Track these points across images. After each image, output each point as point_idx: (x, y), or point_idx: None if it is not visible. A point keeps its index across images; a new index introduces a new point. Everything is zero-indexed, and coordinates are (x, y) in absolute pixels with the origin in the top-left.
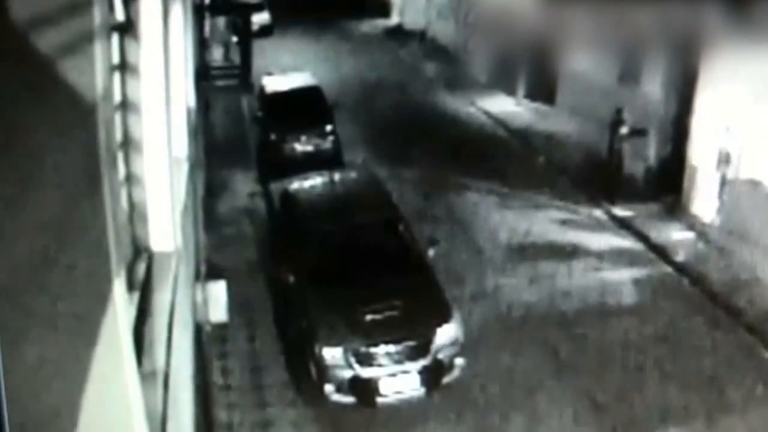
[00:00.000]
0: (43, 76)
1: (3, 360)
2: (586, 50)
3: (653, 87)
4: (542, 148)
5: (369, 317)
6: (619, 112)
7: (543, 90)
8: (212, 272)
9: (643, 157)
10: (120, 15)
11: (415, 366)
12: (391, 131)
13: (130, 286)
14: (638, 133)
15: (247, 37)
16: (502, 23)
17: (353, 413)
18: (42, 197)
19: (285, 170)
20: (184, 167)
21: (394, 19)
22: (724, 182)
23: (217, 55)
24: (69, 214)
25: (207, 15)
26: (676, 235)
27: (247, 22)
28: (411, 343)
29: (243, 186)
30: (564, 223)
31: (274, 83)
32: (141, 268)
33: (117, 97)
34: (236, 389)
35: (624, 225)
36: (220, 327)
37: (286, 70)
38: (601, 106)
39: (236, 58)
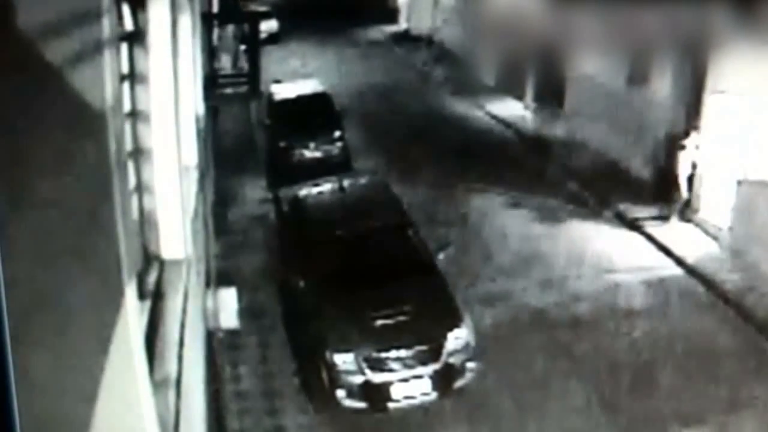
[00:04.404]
0: (52, 86)
1: (15, 369)
2: (595, 53)
3: (662, 90)
4: (551, 151)
5: (380, 322)
6: (687, 133)
7: (551, 93)
8: (223, 279)
9: (653, 159)
10: (129, 24)
11: (426, 371)
12: (400, 136)
13: (142, 294)
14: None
15: (255, 45)
16: (509, 27)
17: (365, 418)
18: (53, 206)
19: (294, 176)
20: (194, 175)
21: (401, 25)
22: (733, 184)
23: (225, 63)
24: (80, 223)
25: (215, 23)
26: (685, 236)
27: (256, 30)
28: (422, 347)
29: (252, 193)
30: (573, 225)
31: (283, 90)
32: (152, 277)
33: (126, 106)
34: (248, 396)
35: (634, 227)
36: (232, 333)
37: (294, 77)
38: (609, 109)
39: (244, 65)
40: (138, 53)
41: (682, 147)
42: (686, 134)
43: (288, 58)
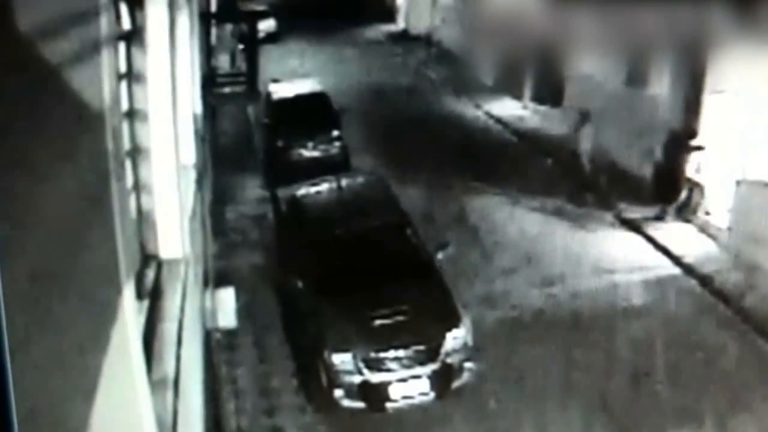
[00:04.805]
0: (50, 85)
1: (12, 368)
2: (593, 53)
3: (660, 89)
4: (549, 151)
5: (378, 322)
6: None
7: (550, 93)
8: (221, 279)
9: (652, 159)
10: (126, 23)
11: (424, 371)
12: (398, 136)
13: (139, 293)
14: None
15: (253, 44)
16: (507, 26)
17: (363, 418)
18: (50, 206)
19: (292, 176)
20: (192, 174)
21: (399, 25)
22: (732, 184)
23: (223, 62)
24: (77, 222)
25: (213, 22)
26: (683, 236)
27: (254, 30)
28: (420, 347)
29: (250, 192)
30: (572, 225)
31: (281, 90)
32: (150, 276)
33: (124, 105)
34: (246, 395)
35: (633, 227)
36: (229, 333)
37: (292, 76)
38: (608, 109)
39: (243, 65)
40: (136, 52)
41: (698, 148)
42: (692, 135)
43: (286, 57)
